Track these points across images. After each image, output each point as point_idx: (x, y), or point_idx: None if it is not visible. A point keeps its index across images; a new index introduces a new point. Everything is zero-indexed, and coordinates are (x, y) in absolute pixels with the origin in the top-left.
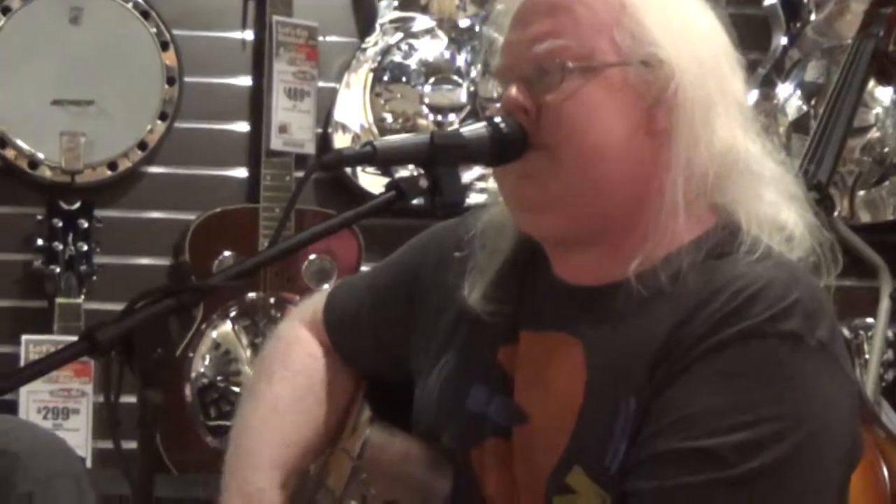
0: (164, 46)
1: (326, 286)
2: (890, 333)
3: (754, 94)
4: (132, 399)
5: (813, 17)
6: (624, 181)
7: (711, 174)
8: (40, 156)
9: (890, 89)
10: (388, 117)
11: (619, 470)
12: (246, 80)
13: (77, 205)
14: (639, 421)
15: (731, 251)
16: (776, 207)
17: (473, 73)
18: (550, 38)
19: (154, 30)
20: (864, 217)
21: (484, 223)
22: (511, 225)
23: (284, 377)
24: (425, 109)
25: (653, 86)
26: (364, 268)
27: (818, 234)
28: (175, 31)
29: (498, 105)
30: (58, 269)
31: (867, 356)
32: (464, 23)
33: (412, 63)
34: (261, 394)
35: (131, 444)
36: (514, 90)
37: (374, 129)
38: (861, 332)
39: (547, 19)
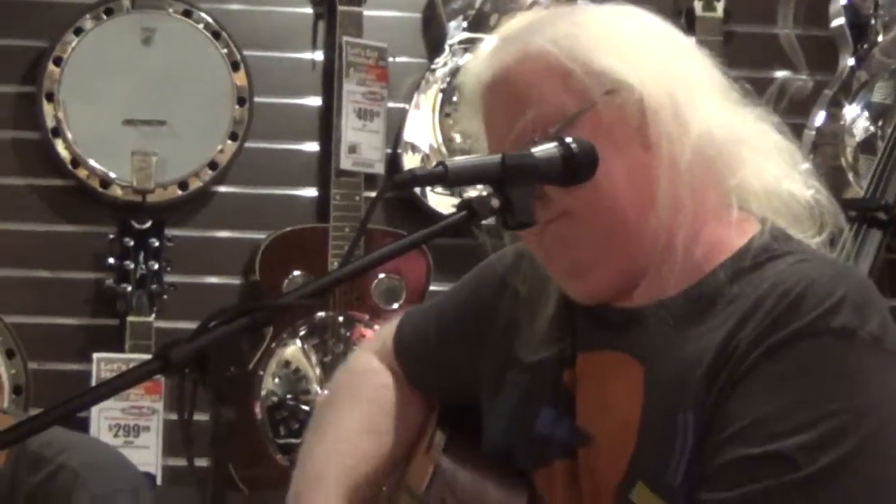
0: (235, 67)
1: (395, 305)
2: None
3: (822, 116)
4: (203, 416)
5: (880, 38)
6: (644, 212)
7: (700, 161)
8: (112, 175)
9: None
10: (457, 137)
11: (682, 483)
12: (316, 101)
13: (148, 224)
14: (698, 434)
15: (775, 256)
16: (777, 179)
17: None
18: (521, 119)
19: (225, 50)
20: None
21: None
22: None
23: (354, 405)
24: None
25: (627, 108)
26: (433, 287)
27: (825, 204)
28: (245, 52)
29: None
30: (129, 288)
31: None
32: None
33: None
34: (331, 421)
35: (202, 462)
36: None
37: (443, 150)
38: None
39: (511, 107)
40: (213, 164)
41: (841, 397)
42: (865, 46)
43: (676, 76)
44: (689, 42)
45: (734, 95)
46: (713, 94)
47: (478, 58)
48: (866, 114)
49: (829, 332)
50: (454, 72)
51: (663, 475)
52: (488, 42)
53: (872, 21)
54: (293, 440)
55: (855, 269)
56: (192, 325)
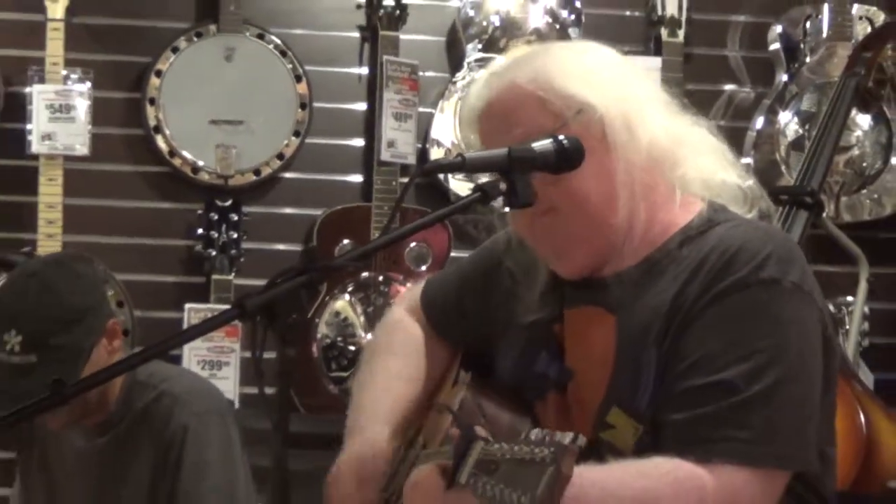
0: (298, 79)
1: (423, 268)
2: (866, 309)
3: (761, 121)
4: (271, 354)
5: (808, 59)
6: (610, 204)
7: (649, 161)
8: (201, 164)
9: (868, 116)
10: (473, 136)
11: (647, 406)
12: (361, 106)
13: (229, 202)
14: (659, 367)
15: (715, 224)
16: (712, 171)
17: None
18: (510, 135)
19: (290, 66)
20: (847, 217)
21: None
22: None
23: (392, 355)
24: None
25: (592, 124)
26: (453, 254)
27: (753, 188)
28: (306, 67)
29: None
30: (213, 253)
31: (848, 327)
32: None
33: None
34: (374, 369)
35: (270, 390)
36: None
37: (462, 145)
38: (843, 308)
39: (501, 127)
40: (280, 156)
41: (770, 335)
42: (796, 65)
43: (627, 96)
44: (638, 68)
45: (675, 108)
46: (658, 107)
47: (472, 91)
48: (796, 119)
49: (758, 282)
50: (471, 84)
51: (633, 401)
52: (480, 77)
53: (801, 45)
54: (342, 374)
55: (779, 230)
56: (262, 282)
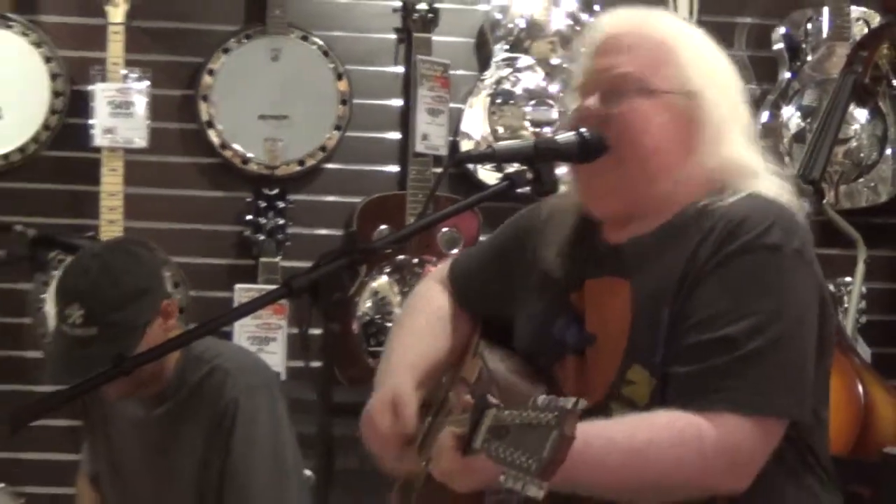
0: (339, 77)
1: (454, 251)
2: (864, 288)
3: (766, 115)
4: (315, 330)
5: (809, 58)
6: (663, 173)
7: (718, 171)
8: (250, 155)
9: (865, 111)
10: (500, 129)
11: (661, 362)
12: (398, 102)
13: (275, 191)
14: (672, 324)
15: (725, 196)
16: (766, 186)
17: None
18: (621, 67)
19: (332, 65)
20: (845, 204)
21: (552, 208)
22: (572, 209)
23: (420, 317)
24: (527, 124)
25: (687, 109)
26: (482, 238)
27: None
28: (347, 66)
29: (575, 113)
30: (261, 237)
31: (847, 305)
32: (555, 61)
33: (518, 90)
34: (403, 328)
35: (315, 363)
36: (591, 100)
37: (490, 138)
38: (842, 288)
39: (618, 54)
40: (323, 148)
41: (771, 295)
42: (798, 64)
43: (733, 110)
44: (742, 87)
45: (753, 135)
46: (744, 132)
47: (604, 18)
48: (798, 113)
49: (762, 247)
50: (498, 81)
51: (651, 358)
52: (616, 11)
53: (803, 45)
54: (380, 348)
55: (783, 202)
56: (307, 264)
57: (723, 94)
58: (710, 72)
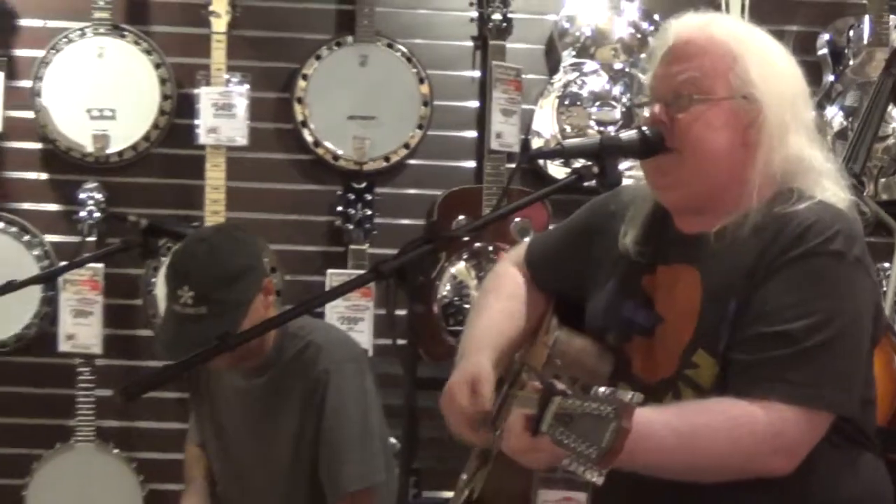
0: (421, 81)
1: (526, 240)
2: None
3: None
4: (400, 311)
5: (851, 62)
6: (723, 174)
7: (780, 173)
8: (340, 153)
9: None
10: (568, 128)
11: (724, 348)
12: (474, 104)
13: (363, 184)
14: (737, 315)
15: (791, 201)
16: (830, 191)
17: (624, 100)
18: (686, 74)
19: (415, 70)
20: (884, 195)
21: (633, 194)
22: (649, 197)
23: (498, 297)
24: (592, 123)
25: (748, 113)
26: (551, 228)
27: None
28: (428, 71)
29: (646, 114)
30: (351, 227)
31: (885, 289)
32: (617, 66)
33: (584, 92)
34: (483, 306)
35: (401, 341)
36: (657, 108)
37: (559, 136)
38: (881, 273)
39: (685, 62)
40: (406, 146)
41: (831, 297)
42: (841, 67)
43: (796, 112)
44: (807, 88)
45: (815, 136)
46: (805, 133)
47: (674, 24)
48: (841, 113)
49: (827, 253)
50: (566, 84)
51: (715, 344)
52: (686, 16)
53: (845, 50)
54: (458, 328)
55: (847, 213)
56: (392, 251)
57: (785, 98)
58: (773, 76)
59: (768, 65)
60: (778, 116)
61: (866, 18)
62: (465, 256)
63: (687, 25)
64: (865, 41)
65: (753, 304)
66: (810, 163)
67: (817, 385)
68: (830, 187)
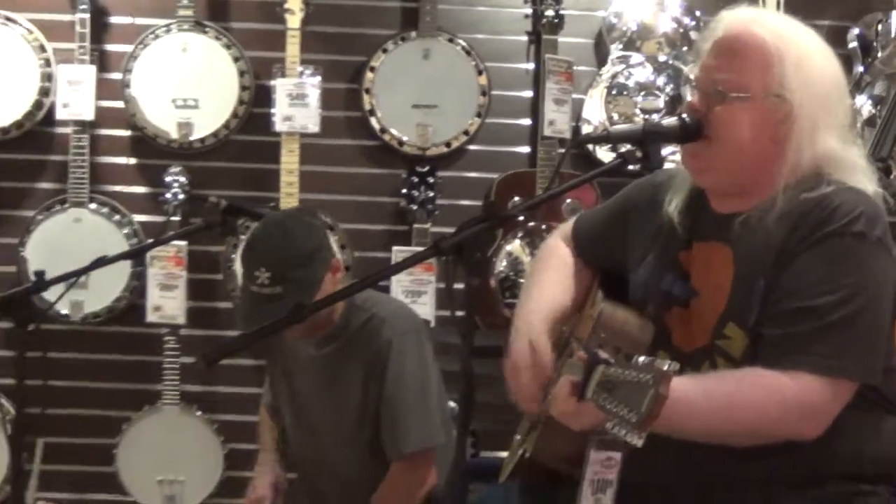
0: (479, 73)
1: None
2: None
3: None
4: (459, 285)
5: (879, 54)
6: (753, 165)
7: (809, 167)
8: (405, 139)
9: None
10: (615, 116)
11: (754, 323)
12: (529, 93)
13: (426, 168)
14: (766, 292)
15: (818, 186)
16: (861, 184)
17: (668, 90)
18: (725, 72)
19: (473, 63)
20: None
21: (677, 173)
22: (689, 177)
23: (549, 268)
24: (638, 111)
25: (779, 111)
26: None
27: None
28: (486, 63)
29: (689, 98)
30: (414, 207)
31: None
32: (661, 58)
33: (630, 83)
34: (535, 278)
35: (460, 313)
36: (696, 99)
37: (607, 123)
38: None
39: (727, 58)
40: (466, 132)
41: (854, 275)
42: (870, 59)
43: (829, 109)
44: (845, 83)
45: (848, 136)
46: (837, 132)
47: (724, 18)
48: (870, 102)
49: (850, 234)
50: (614, 76)
51: (745, 318)
52: (734, 12)
53: (874, 43)
54: (513, 300)
55: (870, 196)
56: (452, 229)
57: (819, 95)
58: (809, 76)
59: (806, 66)
60: (810, 115)
61: (894, 13)
62: (519, 235)
63: (735, 21)
64: (893, 34)
65: (782, 281)
66: (840, 160)
67: (841, 356)
68: (861, 180)
